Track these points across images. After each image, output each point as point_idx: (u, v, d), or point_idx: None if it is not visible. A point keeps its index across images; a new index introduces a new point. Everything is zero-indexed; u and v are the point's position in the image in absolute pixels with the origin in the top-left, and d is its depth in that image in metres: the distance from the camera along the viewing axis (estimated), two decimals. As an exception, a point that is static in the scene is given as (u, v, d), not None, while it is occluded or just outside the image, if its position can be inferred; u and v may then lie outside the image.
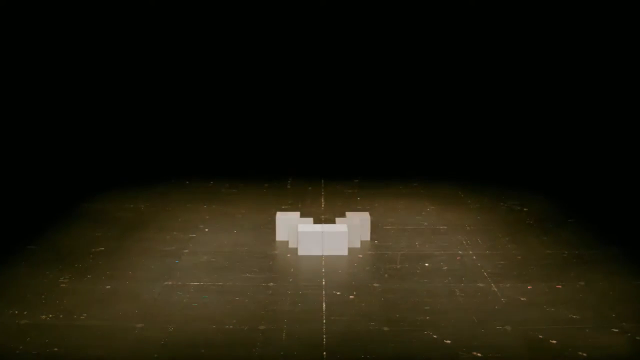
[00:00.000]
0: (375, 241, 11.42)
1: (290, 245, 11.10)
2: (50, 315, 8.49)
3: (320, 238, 10.72)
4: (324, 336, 8.03)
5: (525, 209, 13.31)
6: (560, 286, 9.44)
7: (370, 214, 12.06)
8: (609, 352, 7.59)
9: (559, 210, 13.24)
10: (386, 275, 9.91)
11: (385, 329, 8.21)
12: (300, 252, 10.77)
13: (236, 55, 15.53)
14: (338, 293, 9.27)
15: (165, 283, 9.58)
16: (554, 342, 7.83)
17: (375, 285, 9.55)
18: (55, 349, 7.65)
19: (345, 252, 10.77)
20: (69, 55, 14.22)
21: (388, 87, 15.75)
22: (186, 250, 10.92)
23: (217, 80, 15.71)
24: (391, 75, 15.65)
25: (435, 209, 13.38)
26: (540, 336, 7.97)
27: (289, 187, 15.18)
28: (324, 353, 7.63)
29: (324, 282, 9.66)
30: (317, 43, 15.36)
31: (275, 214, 11.98)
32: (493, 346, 7.74)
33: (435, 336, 7.99)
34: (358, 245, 11.12)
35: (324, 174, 16.02)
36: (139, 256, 10.64)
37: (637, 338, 7.92)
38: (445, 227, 12.14)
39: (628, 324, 8.27)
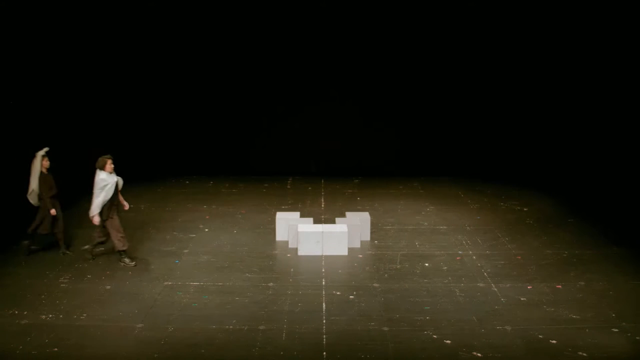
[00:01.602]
0: (375, 241, 11.43)
1: (290, 245, 11.11)
2: (50, 315, 8.49)
3: (320, 238, 10.73)
4: (324, 336, 8.04)
5: (525, 209, 13.32)
6: (560, 286, 9.44)
7: (370, 214, 12.07)
8: (609, 352, 7.60)
9: (559, 210, 13.25)
10: (386, 275, 9.91)
11: (385, 329, 8.21)
12: (300, 252, 10.78)
13: (236, 57, 15.51)
14: (338, 293, 9.28)
15: (165, 283, 9.58)
16: (554, 342, 7.84)
17: (375, 285, 9.56)
18: (55, 349, 7.66)
19: (345, 252, 10.79)
20: (71, 56, 14.21)
21: (388, 88, 15.74)
22: (186, 250, 10.93)
23: (217, 81, 15.69)
24: (391, 76, 15.64)
25: (435, 209, 13.39)
26: (540, 336, 7.98)
27: (289, 187, 15.19)
28: (324, 353, 7.64)
29: (324, 282, 9.67)
30: (317, 44, 15.34)
31: (275, 214, 11.99)
32: (493, 346, 7.75)
33: (435, 336, 7.99)
34: (358, 245, 11.13)
35: (324, 174, 16.03)
36: (139, 256, 10.65)
37: (637, 338, 7.93)
38: (445, 227, 12.15)
39: (628, 324, 8.28)
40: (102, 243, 10.46)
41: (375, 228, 11.86)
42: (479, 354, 7.55)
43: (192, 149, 16.12)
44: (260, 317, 8.49)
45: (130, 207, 13.39)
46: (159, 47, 15.45)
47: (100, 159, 10.26)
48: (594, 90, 14.07)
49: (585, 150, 14.35)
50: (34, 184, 10.44)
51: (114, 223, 10.21)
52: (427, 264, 10.34)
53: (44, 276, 9.75)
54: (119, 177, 10.31)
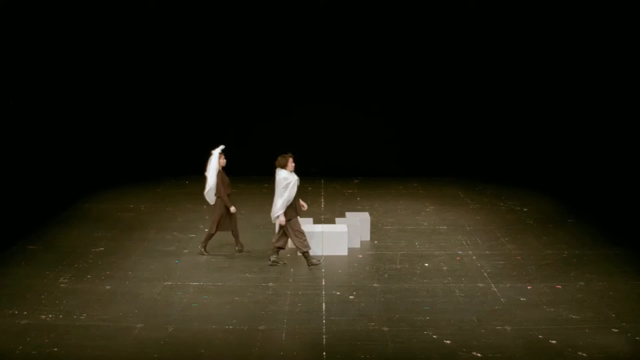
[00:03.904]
0: (375, 241, 11.43)
1: (291, 246, 11.10)
2: (50, 315, 8.49)
3: (320, 238, 10.72)
4: (324, 336, 8.03)
5: (525, 209, 13.31)
6: (560, 286, 9.44)
7: (370, 214, 12.07)
8: (609, 352, 7.59)
9: (559, 210, 13.24)
10: (386, 275, 9.91)
11: (385, 329, 8.21)
12: (300, 252, 10.75)
13: (236, 57, 15.51)
14: (338, 293, 9.28)
15: (165, 283, 9.58)
16: (554, 342, 7.83)
17: (375, 285, 9.55)
18: (55, 349, 7.65)
19: (345, 252, 10.78)
20: (70, 56, 14.22)
21: (388, 88, 15.74)
22: (186, 250, 10.93)
23: (217, 81, 15.69)
24: (391, 76, 15.64)
25: (435, 209, 13.38)
26: (540, 336, 7.97)
27: (289, 187, 15.16)
28: (324, 353, 7.63)
29: (324, 282, 9.66)
30: (317, 45, 15.34)
31: (275, 214, 11.97)
32: (493, 346, 7.74)
33: (435, 336, 7.99)
34: (358, 245, 11.13)
35: (324, 174, 16.02)
36: (139, 256, 10.65)
37: (637, 338, 7.93)
38: (445, 227, 12.15)
39: (628, 324, 8.28)
40: (281, 249, 10.33)
41: (375, 228, 11.86)
42: (478, 354, 7.55)
43: (192, 149, 16.10)
44: (260, 317, 8.49)
45: (129, 207, 13.51)
46: (159, 48, 15.46)
47: (280, 157, 10.09)
48: (593, 90, 14.06)
49: (585, 150, 14.34)
50: (211, 181, 10.38)
51: (295, 224, 10.07)
52: (427, 264, 10.33)
53: (44, 276, 9.74)
54: (297, 177, 10.09)
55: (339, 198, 14.10)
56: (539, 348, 7.70)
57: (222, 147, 10.52)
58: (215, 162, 10.40)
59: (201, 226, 12.19)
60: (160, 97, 15.78)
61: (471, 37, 15.36)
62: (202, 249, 10.69)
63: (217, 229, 10.57)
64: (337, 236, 10.76)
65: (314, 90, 15.80)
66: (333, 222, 11.68)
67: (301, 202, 10.39)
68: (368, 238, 11.45)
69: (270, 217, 10.45)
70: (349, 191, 14.80)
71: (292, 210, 10.07)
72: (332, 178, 15.74)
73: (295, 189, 10.02)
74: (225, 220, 10.55)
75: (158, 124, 15.91)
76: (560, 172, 14.87)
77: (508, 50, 15.29)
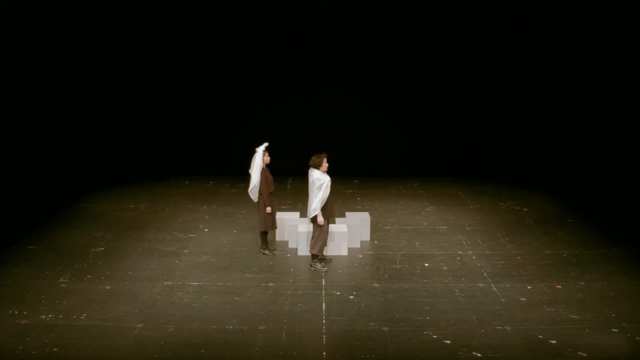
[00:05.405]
0: (375, 241, 11.43)
1: (290, 246, 11.11)
2: (50, 315, 8.49)
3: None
4: (324, 336, 8.03)
5: (525, 209, 13.31)
6: (560, 286, 9.44)
7: (370, 214, 12.07)
8: (609, 352, 7.59)
9: (559, 210, 13.24)
10: (386, 275, 9.91)
11: (385, 329, 8.21)
12: (300, 252, 10.78)
13: (236, 57, 15.51)
14: (338, 293, 9.28)
15: (165, 283, 9.58)
16: (554, 342, 7.83)
17: (375, 285, 9.55)
18: (55, 349, 7.65)
19: (345, 252, 10.78)
20: (70, 56, 14.22)
21: (389, 88, 15.74)
22: (186, 250, 10.93)
23: (217, 81, 15.70)
24: (392, 76, 15.64)
25: (435, 209, 13.38)
26: (540, 336, 7.97)
27: (288, 187, 15.18)
28: (324, 353, 7.63)
29: (324, 282, 9.67)
30: (317, 44, 15.34)
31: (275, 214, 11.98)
32: (493, 346, 7.74)
33: (435, 336, 7.99)
34: (358, 245, 11.13)
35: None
36: (139, 256, 10.65)
37: (637, 338, 7.93)
38: (445, 227, 12.15)
39: (628, 324, 8.28)
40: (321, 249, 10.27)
41: (375, 228, 11.86)
42: (478, 354, 7.55)
43: (192, 149, 16.11)
44: (260, 317, 8.49)
45: (129, 207, 13.51)
46: (159, 47, 15.46)
47: (315, 157, 10.00)
48: (593, 90, 14.06)
49: (585, 150, 14.34)
50: (255, 179, 10.36)
51: (325, 227, 10.02)
52: (427, 264, 10.33)
53: (44, 276, 9.74)
54: (330, 178, 10.03)
55: (339, 198, 14.10)
56: (539, 348, 7.70)
57: (266, 144, 10.51)
58: (259, 159, 10.39)
59: (201, 226, 12.19)
60: (160, 97, 15.78)
61: (471, 38, 15.35)
62: (263, 250, 10.69)
63: (267, 226, 10.54)
64: (337, 236, 10.76)
65: (314, 90, 15.80)
66: (333, 222, 11.67)
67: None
68: (368, 238, 11.45)
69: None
70: (349, 191, 14.81)
71: (325, 212, 10.00)
72: (332, 178, 15.71)
73: (328, 190, 9.94)
74: (268, 219, 10.52)
75: (158, 124, 15.91)
76: (560, 172, 14.88)
77: (508, 51, 15.28)
